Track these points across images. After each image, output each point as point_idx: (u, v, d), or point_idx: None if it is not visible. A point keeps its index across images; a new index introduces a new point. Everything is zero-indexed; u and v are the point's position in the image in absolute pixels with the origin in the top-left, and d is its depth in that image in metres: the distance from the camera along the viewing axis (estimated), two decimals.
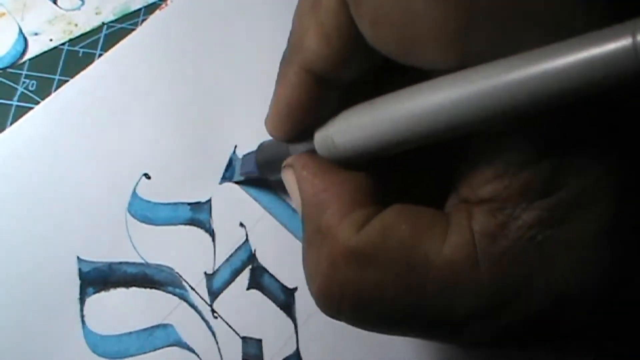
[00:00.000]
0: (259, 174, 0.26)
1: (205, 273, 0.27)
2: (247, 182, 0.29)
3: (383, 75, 0.19)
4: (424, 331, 0.18)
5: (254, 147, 0.26)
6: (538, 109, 0.14)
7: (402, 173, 0.20)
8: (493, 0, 0.15)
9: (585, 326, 0.17)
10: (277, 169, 0.23)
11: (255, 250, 0.28)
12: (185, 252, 0.28)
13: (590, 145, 0.16)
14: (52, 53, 0.32)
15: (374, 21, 0.17)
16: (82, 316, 0.26)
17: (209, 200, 0.28)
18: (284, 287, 0.27)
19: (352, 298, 0.18)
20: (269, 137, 0.22)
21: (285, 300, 0.27)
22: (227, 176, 0.29)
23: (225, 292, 0.27)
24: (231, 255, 0.28)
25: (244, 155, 0.28)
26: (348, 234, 0.18)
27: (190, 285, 0.27)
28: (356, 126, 0.19)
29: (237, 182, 0.29)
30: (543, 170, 0.16)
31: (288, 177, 0.21)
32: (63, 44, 0.32)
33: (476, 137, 0.17)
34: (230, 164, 0.29)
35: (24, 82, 0.31)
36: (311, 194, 0.19)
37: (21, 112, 0.30)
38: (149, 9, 0.33)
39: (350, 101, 0.19)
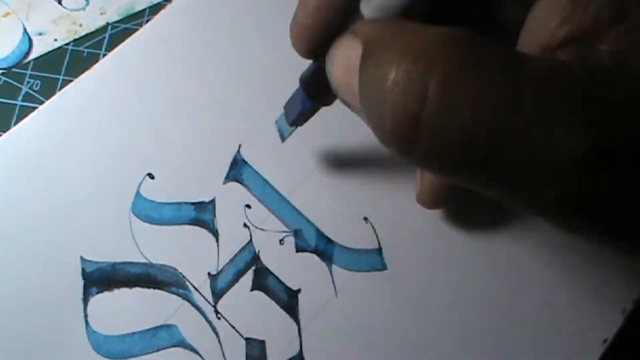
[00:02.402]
0: (312, 104, 0.24)
1: (209, 273, 0.27)
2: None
3: None
4: (521, 144, 0.15)
5: (256, 147, 0.25)
6: None
7: None
8: None
9: None
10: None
11: (259, 252, 0.28)
12: (189, 252, 0.27)
13: None
14: (57, 53, 0.32)
15: None
16: (86, 316, 0.26)
17: (213, 200, 0.28)
18: (287, 289, 0.27)
19: (441, 74, 0.15)
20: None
21: (288, 301, 0.27)
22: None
23: (228, 293, 0.27)
24: (235, 256, 0.28)
25: (282, 115, 0.26)
26: (428, 28, 0.17)
27: (193, 286, 0.27)
28: None
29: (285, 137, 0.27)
30: (608, 2, 0.16)
31: (339, 48, 0.19)
32: (67, 44, 0.32)
33: None
34: (234, 164, 0.29)
35: (28, 82, 0.31)
36: (376, 28, 0.18)
37: (25, 111, 0.30)
38: (154, 9, 0.33)
39: None
